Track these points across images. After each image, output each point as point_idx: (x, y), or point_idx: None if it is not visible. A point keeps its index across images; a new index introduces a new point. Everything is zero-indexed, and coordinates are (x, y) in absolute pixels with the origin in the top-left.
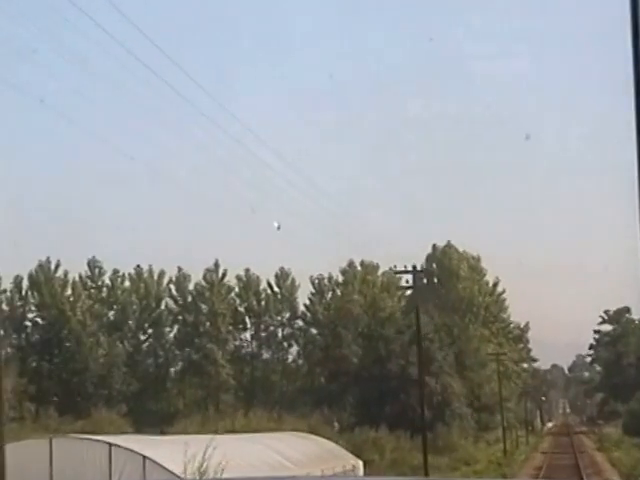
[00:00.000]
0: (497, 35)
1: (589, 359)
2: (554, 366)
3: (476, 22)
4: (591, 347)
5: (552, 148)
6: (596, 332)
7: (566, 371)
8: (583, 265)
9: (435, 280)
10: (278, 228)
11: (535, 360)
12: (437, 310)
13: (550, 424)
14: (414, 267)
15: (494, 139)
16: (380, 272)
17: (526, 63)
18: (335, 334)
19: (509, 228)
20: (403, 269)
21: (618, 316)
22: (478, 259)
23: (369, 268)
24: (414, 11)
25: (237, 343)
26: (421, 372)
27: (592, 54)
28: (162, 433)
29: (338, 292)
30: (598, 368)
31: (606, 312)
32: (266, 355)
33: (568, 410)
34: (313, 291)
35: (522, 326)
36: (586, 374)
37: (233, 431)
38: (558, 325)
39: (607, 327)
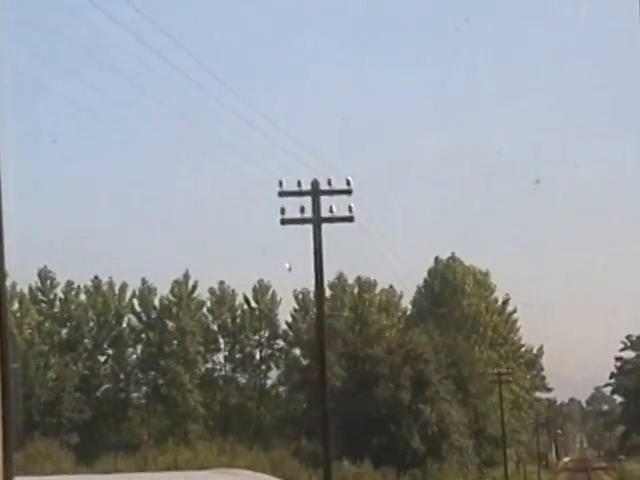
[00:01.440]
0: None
1: (609, 389)
2: (571, 400)
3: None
4: (612, 376)
5: None
6: (617, 359)
7: (584, 404)
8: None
9: (437, 296)
10: (289, 269)
11: (550, 389)
12: (438, 329)
13: (566, 459)
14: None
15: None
16: (378, 290)
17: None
18: (315, 354)
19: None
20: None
21: None
22: (486, 274)
23: (365, 285)
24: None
25: (208, 366)
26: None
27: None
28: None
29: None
30: (619, 399)
31: (628, 337)
32: (242, 379)
33: (585, 444)
34: (296, 307)
35: (535, 350)
36: (605, 407)
37: (175, 467)
38: (576, 359)
39: (630, 354)
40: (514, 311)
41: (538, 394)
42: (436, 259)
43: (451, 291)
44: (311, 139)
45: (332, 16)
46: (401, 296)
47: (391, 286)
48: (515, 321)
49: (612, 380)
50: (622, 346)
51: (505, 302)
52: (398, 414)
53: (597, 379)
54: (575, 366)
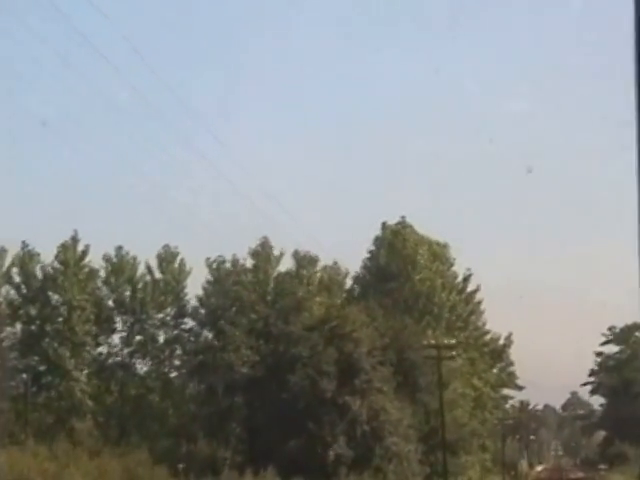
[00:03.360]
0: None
1: (588, 388)
2: (546, 406)
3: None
4: (591, 373)
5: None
6: (598, 354)
7: (559, 409)
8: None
9: (383, 270)
10: None
11: (521, 388)
12: (382, 308)
13: (540, 467)
14: None
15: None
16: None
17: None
18: (220, 332)
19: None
20: None
21: (626, 335)
22: (444, 246)
23: (305, 261)
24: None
25: (101, 349)
26: None
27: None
28: None
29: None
30: (600, 400)
31: (611, 329)
32: (142, 367)
33: (561, 452)
34: (210, 279)
35: (503, 339)
36: (581, 412)
37: None
38: (552, 368)
39: (612, 348)
40: (477, 289)
41: (506, 391)
42: (383, 225)
43: (400, 263)
44: None
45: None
46: (347, 274)
47: (335, 262)
48: (479, 303)
49: (591, 378)
50: (603, 339)
51: (467, 279)
52: (318, 409)
53: (572, 384)
54: (549, 371)
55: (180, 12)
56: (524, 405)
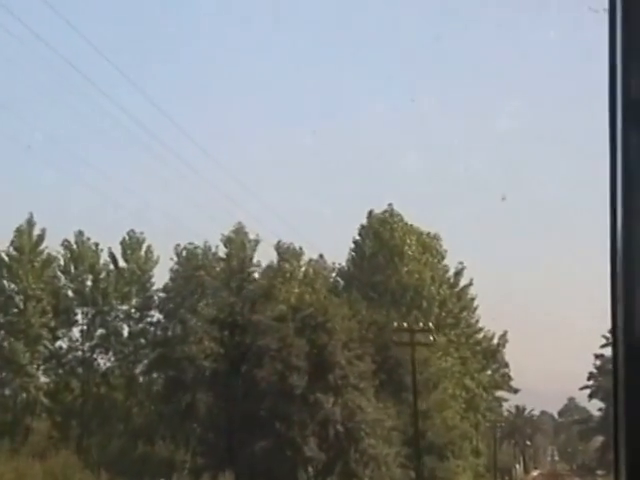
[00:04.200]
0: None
1: (586, 392)
2: (543, 412)
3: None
4: (590, 377)
5: None
6: (598, 357)
7: (556, 416)
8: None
9: (369, 261)
10: None
11: (516, 390)
12: (366, 301)
13: (535, 472)
14: None
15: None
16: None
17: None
18: (181, 322)
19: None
20: None
21: None
22: (435, 237)
23: (288, 253)
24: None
25: (59, 343)
26: None
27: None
28: None
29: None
30: (598, 404)
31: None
32: (104, 362)
33: (557, 457)
34: (178, 268)
35: (497, 338)
36: (578, 418)
37: None
38: (549, 373)
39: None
40: (470, 283)
41: (500, 394)
42: (370, 214)
43: (387, 254)
44: None
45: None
46: (333, 269)
47: (321, 256)
48: (472, 299)
49: (590, 382)
50: (604, 341)
51: (459, 273)
52: (287, 407)
53: (570, 390)
54: (546, 377)
55: None
56: (520, 410)
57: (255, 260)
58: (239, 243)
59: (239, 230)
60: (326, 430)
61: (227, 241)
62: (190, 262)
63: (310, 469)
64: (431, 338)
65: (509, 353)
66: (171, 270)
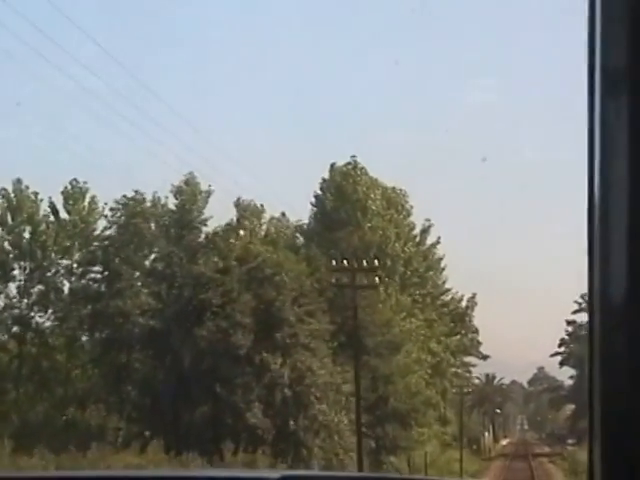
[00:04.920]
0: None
1: (557, 359)
2: (513, 382)
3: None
4: (562, 343)
5: None
6: (570, 323)
7: (525, 385)
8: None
9: (330, 216)
10: None
11: (485, 357)
12: (326, 258)
13: (504, 441)
14: None
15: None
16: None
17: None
18: (114, 274)
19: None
20: None
21: None
22: (401, 193)
23: (249, 211)
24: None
25: None
26: None
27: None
28: None
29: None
30: (570, 371)
31: (584, 297)
32: (44, 321)
33: (526, 426)
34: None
35: (466, 301)
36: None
37: None
38: (520, 344)
39: (585, 316)
40: (437, 242)
41: (467, 359)
42: (332, 167)
43: (349, 209)
44: None
45: None
46: (297, 227)
47: (283, 214)
48: (439, 259)
49: (562, 349)
50: (575, 307)
51: (425, 231)
52: (230, 369)
53: (540, 360)
54: (515, 347)
55: None
56: (489, 378)
57: (210, 214)
58: (190, 194)
59: (190, 181)
60: (272, 394)
61: (177, 192)
62: (128, 210)
63: (254, 439)
64: (377, 280)
65: (478, 318)
66: (106, 218)
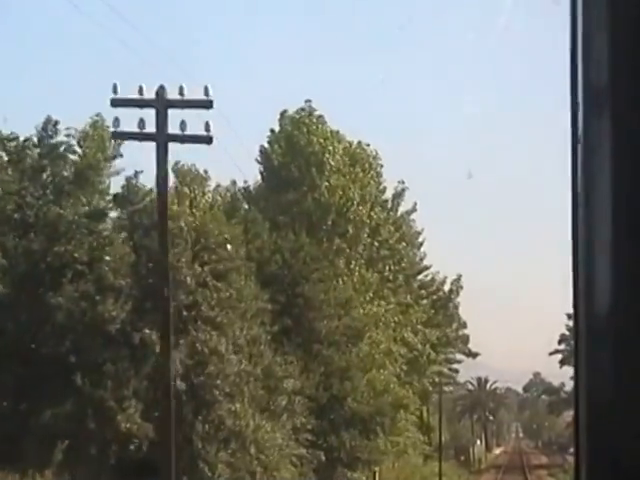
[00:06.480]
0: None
1: (558, 357)
2: (508, 389)
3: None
4: (562, 340)
5: None
6: (570, 316)
7: (520, 391)
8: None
9: (278, 173)
10: None
11: (475, 354)
12: (273, 224)
13: (498, 450)
14: None
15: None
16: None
17: None
18: None
19: None
20: None
21: None
22: (371, 151)
23: (190, 176)
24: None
25: None
26: None
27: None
28: None
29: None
30: (571, 371)
31: None
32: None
33: (521, 434)
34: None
35: (450, 283)
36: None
37: None
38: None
39: None
40: (413, 209)
41: (452, 354)
42: (282, 115)
43: (302, 164)
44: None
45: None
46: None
47: (234, 182)
48: (417, 233)
49: (561, 346)
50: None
51: (399, 195)
52: (98, 351)
53: (536, 366)
54: (510, 355)
55: None
56: (482, 382)
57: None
58: (98, 139)
59: (97, 124)
60: (157, 388)
61: (82, 137)
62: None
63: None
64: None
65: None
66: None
